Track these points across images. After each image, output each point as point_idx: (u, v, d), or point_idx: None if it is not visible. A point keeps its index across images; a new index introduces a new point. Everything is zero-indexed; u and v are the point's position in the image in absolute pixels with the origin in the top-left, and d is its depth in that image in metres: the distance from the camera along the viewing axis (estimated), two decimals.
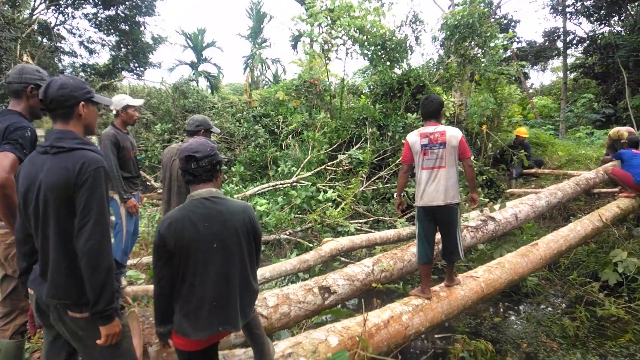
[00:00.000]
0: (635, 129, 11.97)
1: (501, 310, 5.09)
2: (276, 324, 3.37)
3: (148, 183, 9.68)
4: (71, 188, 1.79)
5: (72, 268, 1.84)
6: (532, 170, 9.53)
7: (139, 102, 4.19)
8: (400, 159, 4.03)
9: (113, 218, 5.07)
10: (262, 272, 4.44)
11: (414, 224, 7.10)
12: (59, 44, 16.78)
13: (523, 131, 9.67)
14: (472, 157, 8.33)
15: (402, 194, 4.14)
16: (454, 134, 3.68)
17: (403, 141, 8.78)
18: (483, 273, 4.28)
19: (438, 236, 3.96)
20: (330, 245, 5.27)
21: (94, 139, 10.55)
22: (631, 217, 6.80)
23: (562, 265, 6.07)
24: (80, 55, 18.24)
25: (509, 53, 18.00)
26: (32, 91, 2.56)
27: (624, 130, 8.11)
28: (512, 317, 4.95)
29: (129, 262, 4.65)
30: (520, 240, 5.92)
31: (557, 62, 24.24)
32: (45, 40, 15.91)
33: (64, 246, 1.84)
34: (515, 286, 5.19)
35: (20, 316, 2.59)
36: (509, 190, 8.91)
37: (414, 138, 3.78)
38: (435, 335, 4.15)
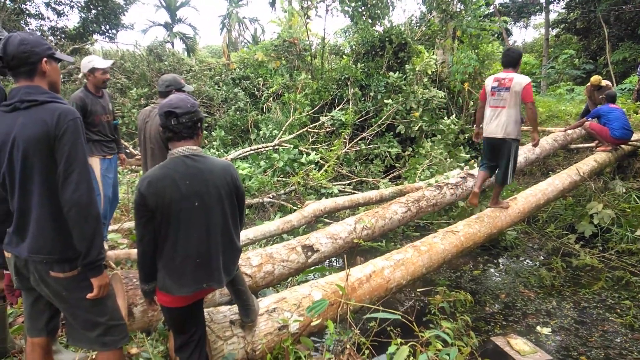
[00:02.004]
0: (614, 84, 12.09)
1: (480, 263, 5.25)
2: (260, 283, 3.41)
3: (127, 150, 9.46)
4: (51, 139, 1.76)
5: (56, 222, 1.83)
6: None
7: (106, 63, 3.97)
8: (479, 98, 4.82)
9: None
10: (246, 234, 4.45)
11: (396, 184, 7.18)
12: (23, 6, 15.87)
13: None
14: (455, 115, 8.38)
15: (480, 125, 4.81)
16: (519, 82, 4.32)
17: (385, 101, 8.83)
18: (463, 227, 4.36)
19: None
20: (313, 206, 5.28)
21: None
22: (608, 171, 6.97)
23: (540, 219, 6.25)
24: (48, 18, 17.33)
25: (491, 9, 17.72)
26: None
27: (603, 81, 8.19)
28: (491, 270, 5.11)
29: (111, 227, 4.59)
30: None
31: (539, 19, 24.04)
32: (8, 2, 15.01)
33: (48, 200, 1.81)
34: (495, 240, 5.33)
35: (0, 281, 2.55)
36: None
37: (488, 81, 4.57)
38: (418, 290, 4.26)
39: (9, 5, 14.53)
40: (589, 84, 8.38)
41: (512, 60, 4.46)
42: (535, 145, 4.67)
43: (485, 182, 4.99)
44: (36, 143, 1.75)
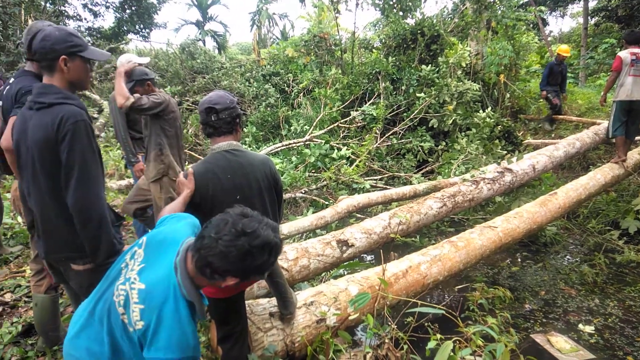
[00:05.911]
0: None
1: (519, 259, 5.12)
2: (297, 276, 3.44)
3: None
4: (52, 144, 1.73)
5: (66, 224, 1.82)
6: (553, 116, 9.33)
7: (144, 60, 4.04)
8: (613, 68, 5.94)
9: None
10: (280, 229, 4.48)
11: (429, 179, 7.09)
12: (62, 8, 16.50)
13: (564, 49, 9.13)
14: (490, 108, 8.20)
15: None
16: None
17: (418, 95, 8.71)
18: (501, 223, 4.26)
19: None
20: (347, 202, 5.27)
21: (104, 103, 10.51)
22: None
23: (581, 215, 6.03)
24: (85, 19, 18.00)
25: None
26: None
27: None
28: (531, 266, 4.98)
29: None
30: (538, 192, 5.86)
31: (577, 7, 23.04)
32: (48, 4, 15.63)
33: (55, 201, 1.81)
34: (534, 236, 5.18)
35: None
36: (526, 142, 8.75)
37: (625, 54, 5.68)
38: (456, 288, 4.20)
39: (48, 8, 15.12)
40: None
41: (636, 38, 5.68)
42: None
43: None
44: (40, 147, 1.75)
